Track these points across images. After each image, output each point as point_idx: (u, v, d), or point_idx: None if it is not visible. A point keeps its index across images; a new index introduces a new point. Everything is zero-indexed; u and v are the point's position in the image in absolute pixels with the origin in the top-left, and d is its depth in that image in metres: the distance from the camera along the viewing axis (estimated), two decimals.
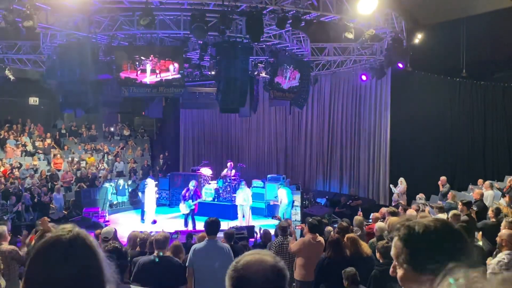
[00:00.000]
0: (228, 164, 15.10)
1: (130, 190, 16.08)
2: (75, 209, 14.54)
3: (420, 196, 10.85)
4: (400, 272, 1.44)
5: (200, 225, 12.43)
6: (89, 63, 10.42)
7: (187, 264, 4.96)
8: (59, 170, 16.56)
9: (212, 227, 5.09)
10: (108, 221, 13.67)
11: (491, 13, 12.67)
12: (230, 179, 14.70)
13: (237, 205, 13.18)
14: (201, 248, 5.04)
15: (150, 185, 13.13)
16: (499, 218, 6.77)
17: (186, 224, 12.47)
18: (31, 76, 17.41)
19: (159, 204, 14.42)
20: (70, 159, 17.54)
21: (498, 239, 4.86)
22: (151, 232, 7.57)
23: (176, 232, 9.97)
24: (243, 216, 12.90)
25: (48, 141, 18.42)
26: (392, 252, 1.49)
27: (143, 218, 13.49)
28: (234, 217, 13.36)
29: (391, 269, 1.50)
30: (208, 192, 14.73)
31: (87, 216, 13.56)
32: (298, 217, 13.70)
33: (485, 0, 12.72)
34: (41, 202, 13.54)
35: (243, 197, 12.90)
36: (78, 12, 9.97)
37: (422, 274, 1.36)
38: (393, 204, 12.24)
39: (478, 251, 5.52)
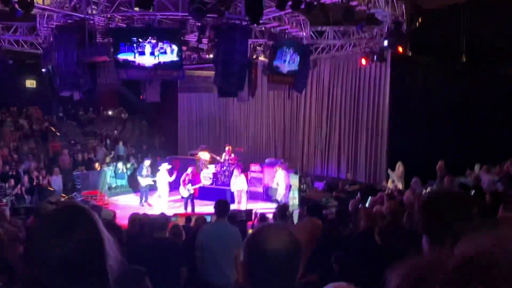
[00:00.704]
0: (226, 148, 15.09)
1: (129, 173, 16.11)
2: (74, 192, 14.56)
3: (416, 180, 10.88)
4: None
5: (198, 209, 12.53)
6: (86, 45, 10.32)
7: (195, 244, 4.98)
8: (57, 153, 16.54)
9: (222, 209, 5.10)
10: (107, 204, 13.71)
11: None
12: (228, 163, 14.72)
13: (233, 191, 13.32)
14: (211, 229, 5.07)
15: (162, 169, 13.03)
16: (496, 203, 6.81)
17: (186, 208, 12.54)
18: (28, 59, 17.24)
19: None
20: (68, 142, 17.51)
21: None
22: (151, 215, 7.57)
23: (175, 215, 10.03)
24: (239, 202, 13.02)
25: (46, 124, 18.36)
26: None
27: (141, 201, 13.57)
28: (231, 201, 13.41)
29: None
30: (206, 176, 14.76)
31: (86, 199, 13.60)
32: (296, 201, 13.78)
33: None
34: (40, 185, 13.56)
35: (238, 185, 12.98)
36: None
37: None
38: (390, 188, 12.30)
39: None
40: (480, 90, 13.63)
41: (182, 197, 12.93)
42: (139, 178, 13.78)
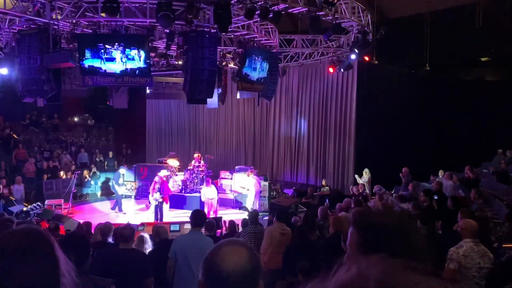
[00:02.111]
0: (195, 155, 14.98)
1: (102, 181, 15.90)
2: (37, 201, 14.08)
3: (379, 187, 11.12)
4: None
5: (167, 217, 12.36)
6: (51, 50, 10.05)
7: (168, 254, 4.90)
8: (21, 161, 15.99)
9: (197, 219, 5.04)
10: (71, 213, 13.34)
11: (453, 9, 13.07)
12: (197, 171, 14.61)
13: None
14: (185, 239, 5.00)
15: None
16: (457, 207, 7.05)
17: (156, 216, 12.34)
18: None
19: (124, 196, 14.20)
20: (32, 149, 16.96)
21: (456, 227, 5.06)
22: (116, 224, 7.43)
23: (142, 224, 9.85)
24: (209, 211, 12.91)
25: (8, 130, 17.73)
26: (349, 241, 1.50)
27: (114, 207, 13.46)
28: (201, 208, 13.30)
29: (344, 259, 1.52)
30: (175, 183, 14.60)
31: (49, 208, 13.18)
32: (266, 208, 13.82)
33: None
34: (0, 195, 13.05)
35: (208, 194, 12.91)
36: None
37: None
38: (356, 194, 12.51)
39: (437, 239, 5.72)
40: (443, 96, 14.11)
41: (148, 206, 12.81)
42: (115, 186, 13.60)
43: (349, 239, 1.50)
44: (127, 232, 4.89)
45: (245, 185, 13.76)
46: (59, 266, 1.24)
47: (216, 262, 1.28)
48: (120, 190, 13.67)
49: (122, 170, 14.10)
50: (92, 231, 7.45)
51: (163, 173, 12.66)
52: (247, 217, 10.26)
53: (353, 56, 12.96)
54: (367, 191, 12.84)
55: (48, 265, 1.22)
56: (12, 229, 1.29)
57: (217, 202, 13.10)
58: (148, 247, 5.59)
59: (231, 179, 14.81)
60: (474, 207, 7.46)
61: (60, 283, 1.22)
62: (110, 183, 14.45)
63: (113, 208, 13.66)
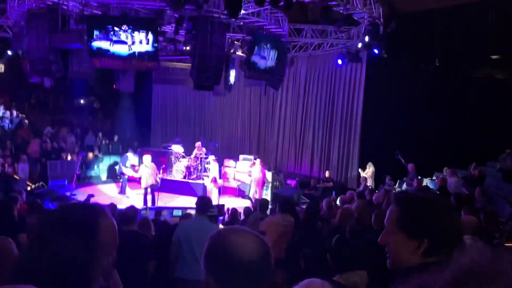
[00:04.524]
0: (197, 144, 14.93)
1: (109, 164, 15.94)
2: (41, 181, 14.16)
3: (390, 184, 11.09)
4: (391, 238, 1.48)
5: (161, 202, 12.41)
6: (59, 31, 10.00)
7: (172, 239, 4.92)
8: (25, 141, 16.06)
9: (203, 205, 5.05)
10: (75, 194, 13.40)
11: (465, 5, 12.89)
12: (200, 159, 14.63)
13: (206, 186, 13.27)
14: (189, 225, 5.01)
15: (146, 161, 12.54)
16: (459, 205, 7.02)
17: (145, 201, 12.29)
18: None
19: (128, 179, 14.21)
20: (37, 130, 17.02)
21: None
22: (120, 209, 7.44)
23: (145, 208, 9.89)
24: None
25: (14, 110, 17.79)
26: (388, 218, 1.52)
27: (123, 191, 13.50)
28: (204, 194, 13.34)
29: (380, 237, 1.53)
30: (178, 169, 14.63)
31: (53, 189, 13.26)
32: (268, 198, 13.82)
33: None
34: (5, 173, 13.13)
35: (212, 174, 12.98)
36: None
37: (412, 240, 1.42)
38: (360, 187, 12.50)
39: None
40: (452, 93, 14.00)
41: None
42: (123, 168, 13.64)
43: (388, 216, 1.51)
44: (130, 214, 4.91)
45: (252, 174, 13.74)
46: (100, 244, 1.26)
47: (228, 252, 1.21)
48: (128, 173, 13.69)
49: (129, 154, 14.11)
50: None
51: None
52: (249, 206, 10.32)
53: (360, 45, 12.87)
54: (371, 184, 12.81)
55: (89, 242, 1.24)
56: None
57: (219, 189, 13.14)
58: (151, 231, 5.61)
59: (235, 167, 14.81)
60: (478, 205, 7.42)
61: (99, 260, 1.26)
62: (117, 167, 14.50)
63: (120, 193, 13.70)
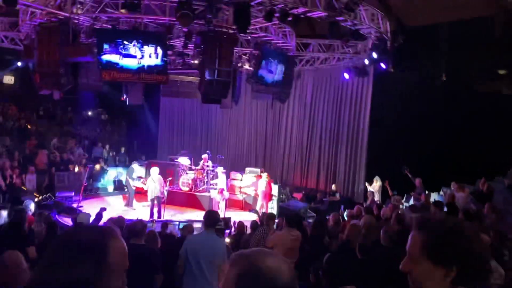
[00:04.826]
0: (203, 156, 14.95)
1: (115, 175, 16.05)
2: (48, 192, 14.22)
3: (397, 198, 11.01)
4: (416, 266, 1.42)
5: (167, 215, 12.41)
6: (70, 44, 10.15)
7: (180, 252, 4.91)
8: (34, 152, 16.18)
9: (210, 220, 5.05)
10: (81, 206, 13.44)
11: (472, 20, 12.93)
12: (206, 171, 14.65)
13: (212, 198, 13.27)
14: (197, 239, 5.00)
15: (154, 173, 12.59)
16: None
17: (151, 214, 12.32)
18: (8, 55, 16.87)
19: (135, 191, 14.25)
20: (45, 141, 17.15)
21: None
22: (128, 220, 7.46)
23: (152, 221, 9.90)
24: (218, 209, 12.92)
25: (23, 122, 17.96)
26: (411, 244, 1.45)
27: (130, 204, 13.51)
28: (210, 207, 13.32)
29: (403, 264, 1.46)
30: (185, 182, 14.63)
31: (60, 200, 13.30)
32: (274, 211, 13.78)
33: (466, 7, 12.94)
34: (13, 184, 13.20)
35: (219, 185, 13.00)
36: None
37: (439, 268, 1.37)
38: (368, 202, 12.43)
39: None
40: (459, 107, 13.95)
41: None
42: (130, 180, 13.67)
43: (411, 243, 1.45)
44: (138, 227, 4.92)
45: (259, 187, 13.72)
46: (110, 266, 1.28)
47: (265, 276, 1.18)
48: (134, 185, 13.73)
49: (135, 165, 14.17)
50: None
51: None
52: (256, 219, 10.29)
53: (366, 61, 12.96)
54: (378, 199, 12.74)
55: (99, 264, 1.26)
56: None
57: (225, 202, 13.10)
58: (158, 244, 5.60)
59: (241, 180, 14.81)
60: (487, 221, 7.35)
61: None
62: (123, 178, 14.54)
63: (127, 205, 13.70)
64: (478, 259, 1.36)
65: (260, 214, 11.93)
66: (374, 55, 11.79)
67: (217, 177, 13.80)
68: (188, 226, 6.03)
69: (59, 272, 1.22)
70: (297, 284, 1.24)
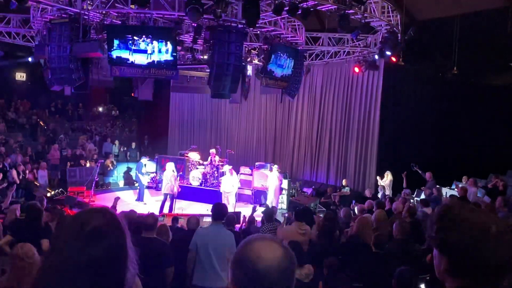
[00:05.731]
0: (211, 151, 15.01)
1: (124, 170, 16.22)
2: (60, 187, 14.40)
3: (408, 192, 10.95)
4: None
5: (178, 209, 12.49)
6: (80, 40, 10.22)
7: (190, 246, 4.96)
8: (45, 148, 16.37)
9: (218, 212, 5.09)
10: (93, 201, 13.58)
11: (484, 12, 12.75)
12: (215, 166, 14.70)
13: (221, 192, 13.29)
14: (206, 232, 5.05)
15: (169, 169, 12.69)
16: None
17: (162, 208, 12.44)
18: (20, 51, 17.04)
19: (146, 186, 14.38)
20: (57, 137, 17.32)
21: None
22: (139, 214, 7.52)
23: (162, 215, 9.97)
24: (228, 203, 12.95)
25: (35, 117, 18.16)
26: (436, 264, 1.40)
27: (141, 198, 13.61)
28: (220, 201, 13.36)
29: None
30: (195, 176, 14.70)
31: (72, 195, 13.45)
32: (284, 206, 13.81)
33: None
34: (26, 180, 13.37)
35: (227, 184, 12.94)
36: None
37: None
38: (379, 196, 12.37)
39: None
40: (470, 101, 13.80)
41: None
42: (139, 175, 13.82)
43: (435, 263, 1.40)
44: (150, 220, 4.96)
45: (265, 181, 13.74)
46: (128, 257, 1.33)
47: (251, 260, 1.20)
48: (144, 180, 13.86)
49: (144, 160, 14.31)
50: None
51: None
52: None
53: (376, 56, 12.86)
54: (389, 193, 12.67)
55: (118, 255, 1.30)
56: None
57: (236, 196, 13.12)
58: (169, 237, 5.65)
59: (251, 175, 14.83)
60: (500, 215, 7.28)
61: (124, 276, 1.31)
62: (133, 173, 14.68)
63: (138, 199, 13.85)
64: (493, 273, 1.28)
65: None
66: (385, 49, 11.67)
67: (224, 175, 13.76)
68: (191, 219, 6.07)
69: (71, 252, 1.24)
70: (287, 275, 1.22)
